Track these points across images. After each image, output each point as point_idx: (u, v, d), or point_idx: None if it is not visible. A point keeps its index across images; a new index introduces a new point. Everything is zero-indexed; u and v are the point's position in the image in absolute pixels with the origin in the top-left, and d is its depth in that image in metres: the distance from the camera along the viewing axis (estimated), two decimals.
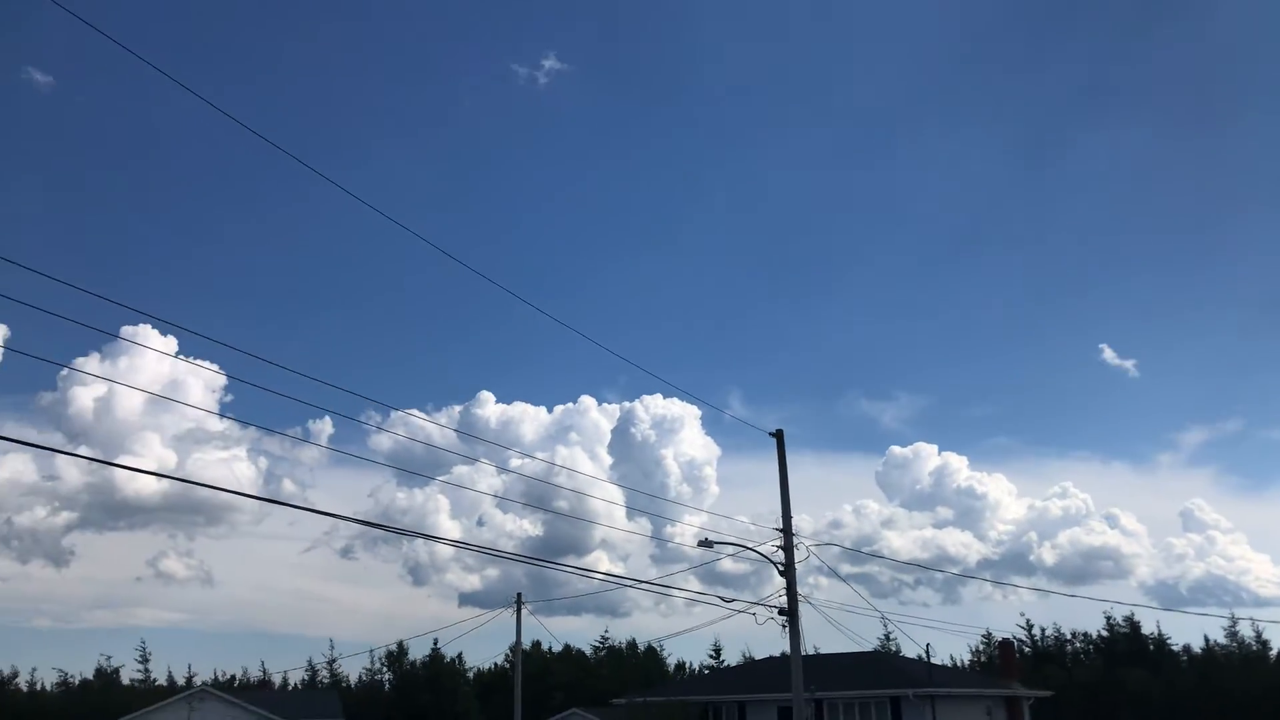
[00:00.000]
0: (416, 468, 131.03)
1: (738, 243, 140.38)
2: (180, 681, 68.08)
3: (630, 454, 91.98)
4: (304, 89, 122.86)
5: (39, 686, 66.62)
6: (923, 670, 41.73)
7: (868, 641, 49.50)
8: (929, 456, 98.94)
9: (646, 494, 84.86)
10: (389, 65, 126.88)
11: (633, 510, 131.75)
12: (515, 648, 46.46)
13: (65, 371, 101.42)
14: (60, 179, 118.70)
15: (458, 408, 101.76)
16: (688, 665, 74.49)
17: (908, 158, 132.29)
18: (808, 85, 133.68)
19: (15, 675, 65.79)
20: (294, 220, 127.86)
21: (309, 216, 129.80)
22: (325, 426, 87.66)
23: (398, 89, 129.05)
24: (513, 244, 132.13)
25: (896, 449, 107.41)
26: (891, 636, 61.89)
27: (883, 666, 44.22)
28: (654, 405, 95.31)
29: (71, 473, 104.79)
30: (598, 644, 74.90)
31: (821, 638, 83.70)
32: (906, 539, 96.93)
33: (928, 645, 65.71)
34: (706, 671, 66.79)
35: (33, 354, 30.15)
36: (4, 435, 14.70)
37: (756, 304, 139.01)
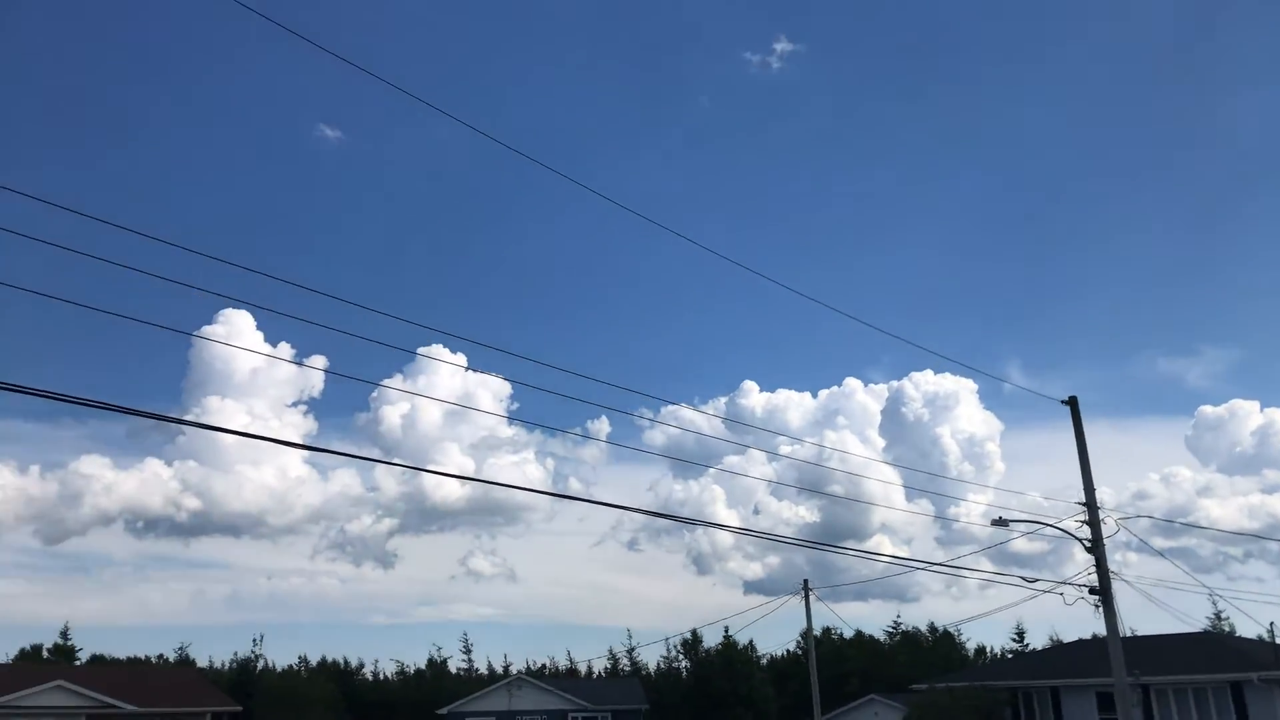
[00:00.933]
0: (690, 460, 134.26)
1: (997, 205, 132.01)
2: (499, 670, 73.86)
3: (903, 434, 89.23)
4: (550, 103, 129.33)
5: (380, 676, 74.82)
6: (1268, 652, 37.25)
7: (1194, 621, 44.94)
8: (1249, 414, 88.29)
9: (926, 473, 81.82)
10: (628, 75, 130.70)
11: (911, 491, 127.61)
12: (807, 633, 46.43)
13: (375, 393, 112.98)
14: (357, 222, 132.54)
15: (723, 399, 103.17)
16: (988, 649, 71.14)
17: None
18: (1050, 48, 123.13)
19: (361, 666, 74.37)
20: (556, 230, 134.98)
21: (567, 225, 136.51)
22: (603, 425, 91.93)
23: (636, 91, 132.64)
24: (758, 230, 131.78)
25: (1207, 409, 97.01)
26: (1224, 615, 55.97)
27: (1218, 648, 39.87)
28: (924, 382, 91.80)
29: (389, 483, 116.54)
30: (890, 629, 73.26)
31: (1139, 618, 76.98)
32: (1229, 507, 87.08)
33: (1271, 624, 58.69)
34: (1010, 655, 63.39)
35: (350, 375, 33.96)
36: (336, 450, 16.58)
37: (1027, 268, 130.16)
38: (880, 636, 72.05)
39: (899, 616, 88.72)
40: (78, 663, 62.58)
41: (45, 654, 65.30)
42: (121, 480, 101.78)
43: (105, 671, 53.85)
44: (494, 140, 15.95)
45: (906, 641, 71.27)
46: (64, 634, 66.61)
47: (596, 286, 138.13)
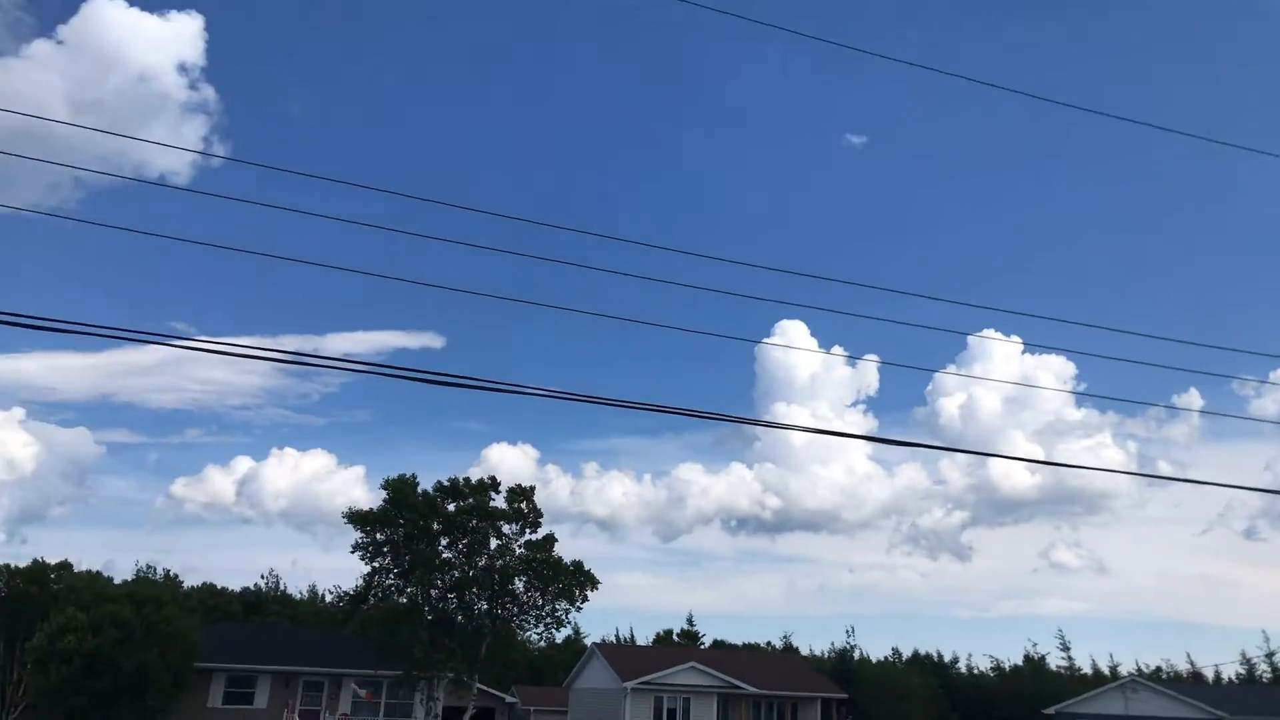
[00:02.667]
0: None
1: None
2: (1104, 670, 68.31)
3: None
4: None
5: (975, 670, 73.57)
6: None
7: None
8: None
9: None
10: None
11: None
12: None
13: (930, 385, 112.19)
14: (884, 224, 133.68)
15: None
16: None
17: None
18: None
19: (955, 660, 73.88)
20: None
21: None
22: (1193, 399, 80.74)
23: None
24: None
25: None
26: None
27: None
28: None
29: (955, 476, 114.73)
30: None
31: None
32: None
33: None
34: None
35: (907, 364, 34.06)
36: (903, 441, 16.64)
37: None
38: None
39: None
40: (702, 646, 71.25)
41: (675, 638, 75.38)
42: (713, 484, 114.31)
43: (727, 655, 60.45)
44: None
45: None
46: (689, 620, 76.27)
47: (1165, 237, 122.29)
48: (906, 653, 73.66)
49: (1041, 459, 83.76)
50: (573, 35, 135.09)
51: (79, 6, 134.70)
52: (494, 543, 44.73)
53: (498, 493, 45.53)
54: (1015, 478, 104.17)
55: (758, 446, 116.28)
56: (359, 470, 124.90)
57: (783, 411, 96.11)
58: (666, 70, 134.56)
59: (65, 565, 61.16)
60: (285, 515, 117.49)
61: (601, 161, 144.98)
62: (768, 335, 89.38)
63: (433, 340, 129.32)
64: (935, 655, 73.34)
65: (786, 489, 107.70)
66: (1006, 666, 71.56)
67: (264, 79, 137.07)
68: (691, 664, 51.26)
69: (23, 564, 64.16)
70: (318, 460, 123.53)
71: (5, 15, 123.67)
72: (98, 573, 62.50)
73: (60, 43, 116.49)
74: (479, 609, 44.33)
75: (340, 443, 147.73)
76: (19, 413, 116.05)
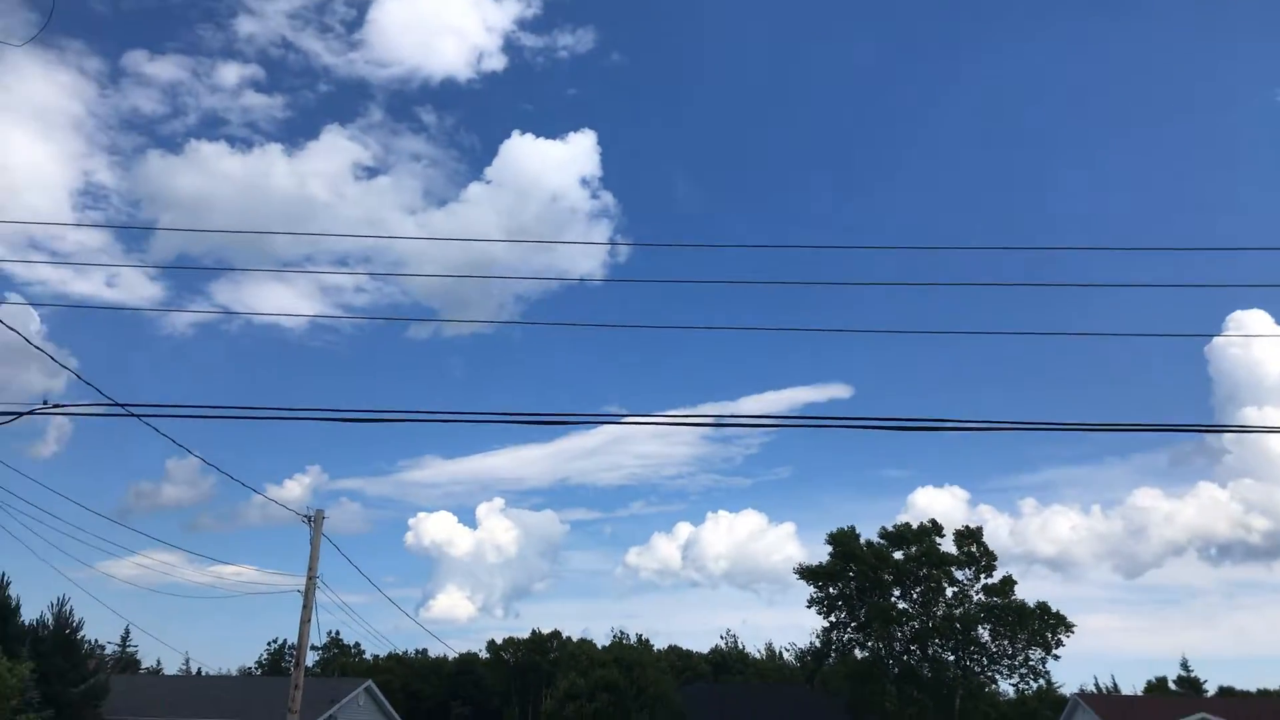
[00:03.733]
0: None
1: None
2: None
3: None
4: None
5: None
6: None
7: None
8: None
9: None
10: None
11: None
12: None
13: None
14: None
15: None
16: None
17: None
18: None
19: None
20: None
21: None
22: None
23: None
24: None
25: None
26: None
27: None
28: None
29: None
30: None
31: None
32: None
33: None
34: None
35: None
36: None
37: None
38: None
39: None
40: (1206, 694, 62.12)
41: (1172, 685, 66.59)
42: (1179, 509, 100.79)
43: (1243, 704, 52.11)
44: None
45: None
46: (1184, 665, 67.17)
47: None
48: None
49: None
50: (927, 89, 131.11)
51: (497, 148, 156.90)
52: (949, 590, 43.05)
53: (941, 536, 43.96)
54: None
55: (1228, 460, 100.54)
56: (789, 527, 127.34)
57: (1253, 417, 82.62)
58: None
59: (556, 634, 68.98)
60: (728, 576, 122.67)
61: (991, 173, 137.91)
62: (1219, 330, 77.81)
63: (840, 390, 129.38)
64: None
65: (1276, 507, 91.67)
66: None
67: (650, 172, 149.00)
68: (1201, 715, 44.84)
69: (523, 635, 73.54)
70: (750, 520, 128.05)
71: (445, 169, 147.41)
72: (582, 640, 69.61)
73: (488, 182, 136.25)
74: (944, 660, 42.68)
75: (767, 501, 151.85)
76: (499, 502, 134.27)
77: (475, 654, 75.84)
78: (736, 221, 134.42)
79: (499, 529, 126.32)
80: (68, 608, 35.72)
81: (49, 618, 35.30)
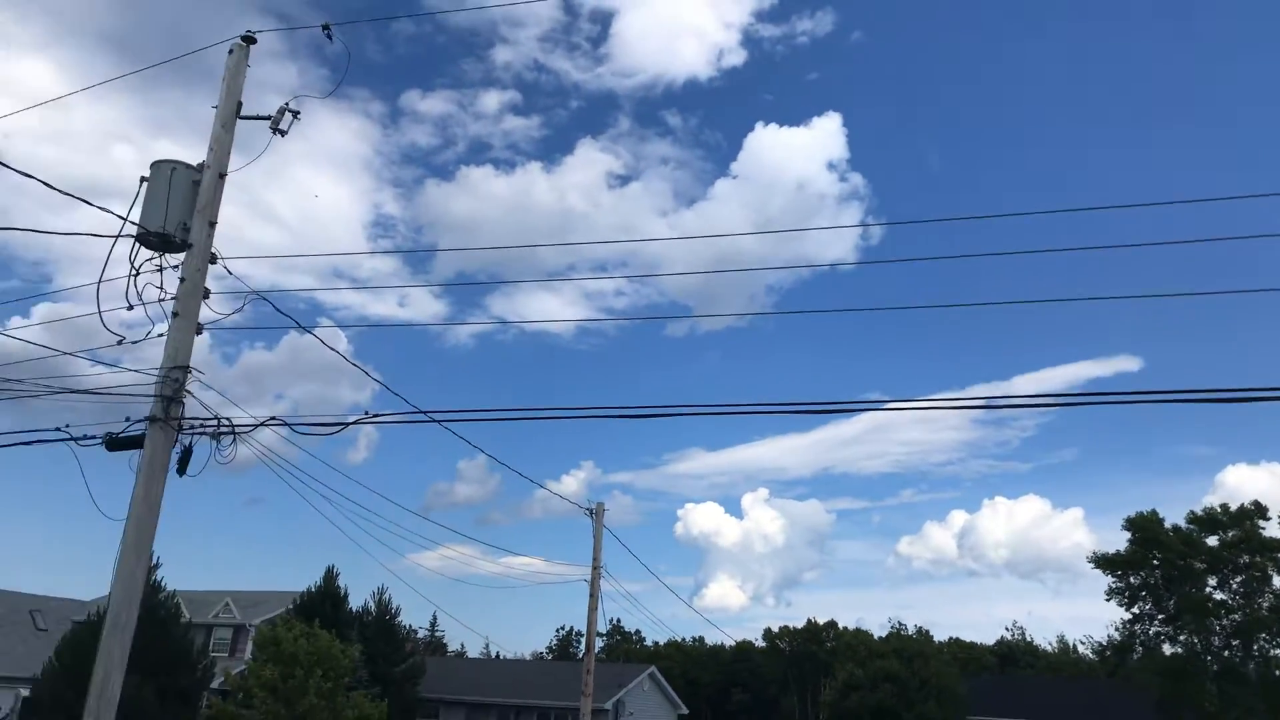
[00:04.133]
0: None
1: None
2: None
3: None
4: None
5: None
6: None
7: None
8: None
9: None
10: None
11: None
12: None
13: None
14: None
15: None
16: None
17: None
18: None
19: None
20: None
21: None
22: None
23: None
24: None
25: None
26: None
27: None
28: None
29: None
30: None
31: None
32: None
33: None
34: None
35: None
36: None
37: None
38: None
39: None
40: None
41: None
42: None
43: None
44: None
45: None
46: None
47: None
48: None
49: None
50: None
51: (742, 142, 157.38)
52: (1276, 579, 38.24)
53: (1266, 520, 39.10)
54: None
55: None
56: (1076, 513, 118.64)
57: None
58: None
59: (832, 624, 68.22)
60: (1010, 565, 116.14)
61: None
62: None
63: (1128, 363, 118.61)
64: None
65: None
66: None
67: (900, 149, 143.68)
68: None
69: (797, 625, 73.35)
70: (1031, 506, 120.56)
71: (692, 169, 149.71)
72: (858, 629, 68.41)
73: (734, 177, 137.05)
74: (1275, 657, 37.96)
75: (1050, 486, 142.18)
76: (763, 493, 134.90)
77: (750, 642, 76.59)
78: (995, 191, 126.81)
79: (765, 519, 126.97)
80: (387, 596, 39.79)
81: (371, 605, 39.48)
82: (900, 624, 75.62)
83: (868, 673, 44.79)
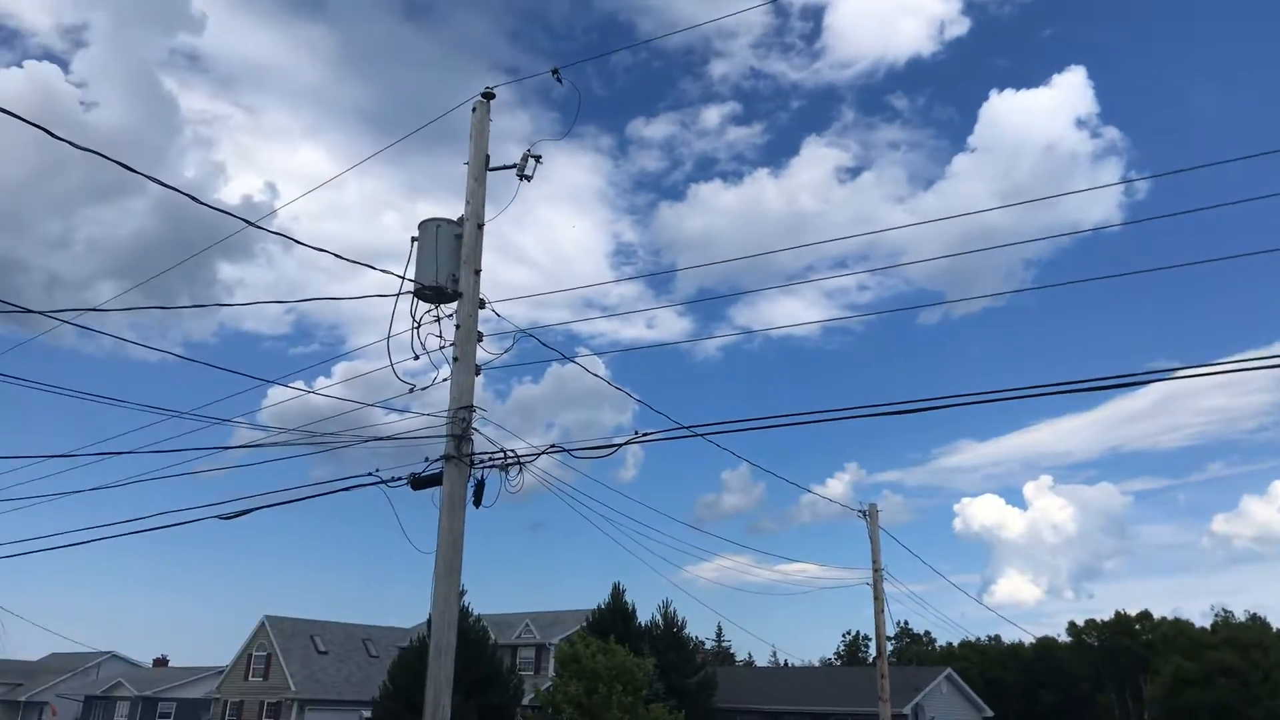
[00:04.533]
0: None
1: None
2: None
3: None
4: None
5: None
6: None
7: None
8: None
9: None
10: None
11: None
12: None
13: None
14: None
15: None
16: None
17: None
18: None
19: None
20: None
21: None
22: None
23: None
24: None
25: None
26: None
27: None
28: None
29: None
30: None
31: None
32: None
33: None
34: None
35: None
36: None
37: None
38: None
39: None
40: None
41: None
42: None
43: None
44: None
45: None
46: None
47: None
48: None
49: None
50: None
51: (977, 114, 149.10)
52: None
53: None
54: None
55: None
56: None
57: None
58: None
59: (1145, 615, 62.14)
60: None
61: None
62: None
63: None
64: None
65: None
66: None
67: (1158, 93, 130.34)
68: None
69: (1104, 617, 67.63)
70: None
71: (925, 149, 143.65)
72: (1177, 619, 61.94)
73: (973, 151, 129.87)
74: None
75: None
76: (1046, 479, 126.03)
77: (1053, 638, 71.56)
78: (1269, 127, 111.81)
79: (1052, 507, 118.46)
80: (672, 609, 40.72)
81: (659, 618, 40.55)
82: (1226, 611, 67.53)
83: (1198, 667, 40.36)
